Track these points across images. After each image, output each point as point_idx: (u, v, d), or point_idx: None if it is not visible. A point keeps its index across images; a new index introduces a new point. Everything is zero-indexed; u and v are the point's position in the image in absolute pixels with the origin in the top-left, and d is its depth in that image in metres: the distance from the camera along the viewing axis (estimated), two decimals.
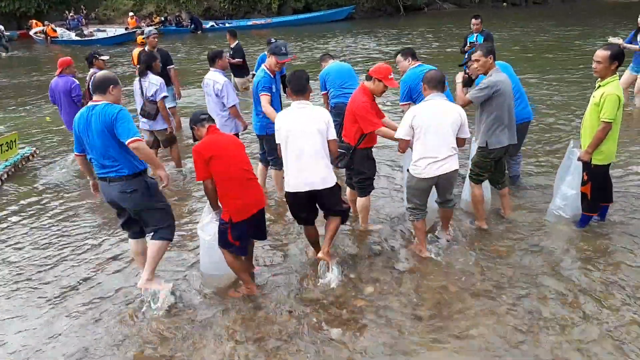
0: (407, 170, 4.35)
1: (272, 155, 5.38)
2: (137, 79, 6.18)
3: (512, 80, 4.78)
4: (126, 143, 3.57)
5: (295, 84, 3.98)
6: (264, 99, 5.09)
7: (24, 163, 7.35)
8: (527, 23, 19.97)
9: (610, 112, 4.07)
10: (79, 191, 6.37)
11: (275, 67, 5.15)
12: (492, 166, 4.64)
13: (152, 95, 6.05)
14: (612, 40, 8.07)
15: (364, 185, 4.66)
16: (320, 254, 4.10)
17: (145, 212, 3.87)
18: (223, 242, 3.84)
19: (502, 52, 11.93)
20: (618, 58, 4.13)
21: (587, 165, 4.35)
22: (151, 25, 24.72)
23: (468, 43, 8.16)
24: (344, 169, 4.84)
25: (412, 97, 5.16)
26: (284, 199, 4.27)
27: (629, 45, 7.47)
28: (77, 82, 6.91)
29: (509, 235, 4.67)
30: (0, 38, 21.81)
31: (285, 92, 5.12)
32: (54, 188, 6.54)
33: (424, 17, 25.59)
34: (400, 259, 4.41)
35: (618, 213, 4.87)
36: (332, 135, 3.96)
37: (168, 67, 7.69)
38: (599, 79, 4.25)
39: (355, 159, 4.53)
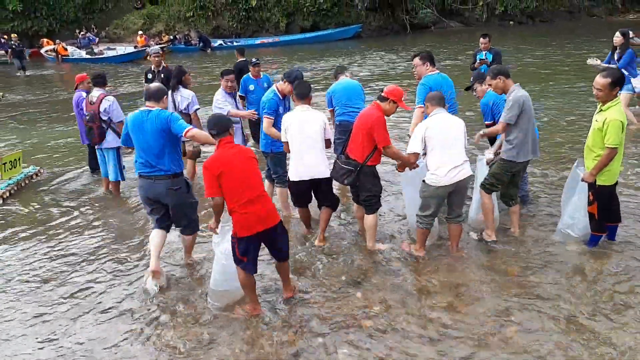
0: (423, 181, 4.45)
1: (276, 173, 5.43)
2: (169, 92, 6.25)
3: None
4: (183, 134, 4.12)
5: (299, 91, 4.78)
6: (266, 121, 5.25)
7: (27, 182, 7.37)
8: (533, 41, 20.02)
9: (615, 138, 4.09)
10: (81, 209, 6.40)
11: (288, 93, 5.27)
12: (509, 179, 4.71)
13: (185, 109, 6.31)
14: (591, 61, 8.25)
15: (371, 203, 4.67)
16: (317, 242, 4.92)
17: (181, 206, 4.38)
18: (234, 257, 3.84)
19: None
20: (619, 83, 4.17)
21: (592, 186, 4.34)
22: (160, 44, 25.05)
23: (478, 60, 8.17)
24: (351, 188, 4.88)
25: None
26: (291, 217, 4.32)
27: (606, 66, 7.53)
28: (84, 97, 6.92)
29: (518, 254, 4.62)
30: (21, 59, 21.46)
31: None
32: (56, 207, 6.54)
33: (431, 35, 25.72)
34: (407, 277, 4.36)
35: (630, 233, 4.81)
36: (328, 134, 4.77)
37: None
38: (600, 103, 4.25)
39: (362, 177, 4.56)
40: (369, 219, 4.73)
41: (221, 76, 6.58)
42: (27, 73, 21.03)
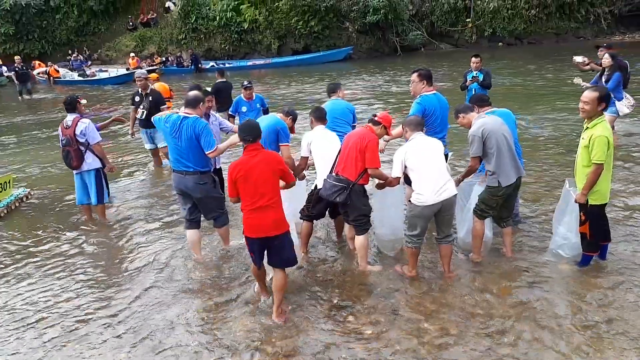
0: (409, 201, 4.47)
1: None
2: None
3: (511, 128, 4.83)
4: (206, 153, 4.80)
5: (317, 115, 5.16)
6: (287, 149, 5.13)
7: (17, 205, 7.29)
8: (522, 62, 20.31)
9: (601, 154, 4.11)
10: (70, 233, 6.31)
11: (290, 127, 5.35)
12: (499, 204, 4.68)
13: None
14: (576, 80, 8.38)
15: (362, 223, 4.68)
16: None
17: (207, 199, 4.98)
18: None
19: (498, 90, 12.11)
20: (605, 100, 4.21)
21: (583, 206, 4.35)
22: (153, 65, 25.18)
23: (468, 79, 8.25)
24: (340, 208, 4.86)
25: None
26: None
27: (591, 86, 7.60)
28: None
29: (510, 274, 4.60)
30: (26, 83, 20.19)
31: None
32: (45, 230, 6.45)
33: (421, 57, 26.05)
34: (399, 300, 4.33)
35: (619, 251, 4.82)
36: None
37: (161, 107, 7.75)
38: (586, 121, 4.28)
39: (353, 195, 4.57)
40: (360, 239, 4.72)
41: None
42: (32, 96, 20.35)
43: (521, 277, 4.53)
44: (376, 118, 4.70)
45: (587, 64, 8.47)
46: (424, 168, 4.35)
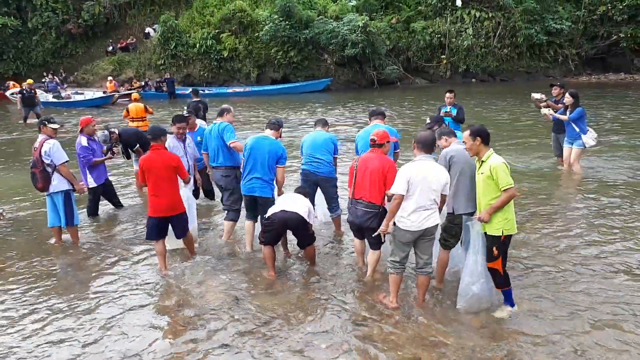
0: (394, 223, 4.50)
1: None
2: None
3: None
4: (228, 143, 5.91)
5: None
6: (282, 171, 5.78)
7: None
8: (493, 98, 20.93)
9: (507, 179, 4.18)
10: (43, 257, 6.17)
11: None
12: (458, 232, 4.79)
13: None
14: (535, 95, 9.05)
15: (378, 241, 4.93)
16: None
17: (230, 191, 6.00)
18: None
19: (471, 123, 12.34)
20: (479, 134, 4.30)
21: (496, 239, 4.28)
22: (131, 89, 25.01)
23: (442, 112, 8.58)
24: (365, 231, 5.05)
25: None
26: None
27: (546, 100, 8.88)
28: (84, 145, 7.12)
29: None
30: (33, 107, 18.06)
31: None
32: (17, 252, 6.31)
33: (397, 90, 26.59)
34: (373, 328, 4.34)
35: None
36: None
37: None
38: (476, 158, 4.42)
39: (380, 218, 4.75)
40: (376, 254, 5.11)
41: (172, 123, 6.49)
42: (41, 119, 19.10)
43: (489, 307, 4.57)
44: (378, 140, 4.88)
45: (544, 101, 8.97)
46: (418, 193, 4.34)
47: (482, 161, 4.35)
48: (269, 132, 5.80)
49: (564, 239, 6.05)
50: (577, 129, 8.26)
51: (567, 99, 8.33)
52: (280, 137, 5.91)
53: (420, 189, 4.35)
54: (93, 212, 7.47)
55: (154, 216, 5.37)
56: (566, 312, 4.48)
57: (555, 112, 8.63)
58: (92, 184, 7.23)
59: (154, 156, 5.35)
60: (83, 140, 7.16)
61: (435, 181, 4.39)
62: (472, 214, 4.62)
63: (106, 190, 7.58)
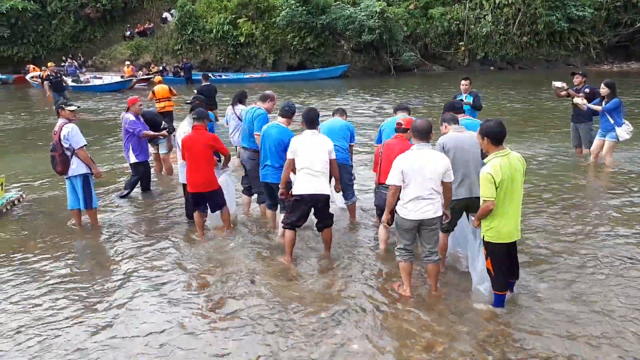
0: (395, 211, 4.55)
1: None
2: (229, 106, 7.96)
3: None
4: (254, 134, 6.02)
5: (309, 119, 5.34)
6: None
7: (8, 207, 7.27)
8: (512, 86, 20.65)
9: (485, 191, 4.05)
10: (61, 238, 6.31)
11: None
12: (456, 218, 4.90)
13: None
14: (556, 84, 8.76)
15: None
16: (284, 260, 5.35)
17: (254, 175, 6.03)
18: None
19: (489, 113, 12.26)
20: (486, 134, 4.13)
21: (484, 241, 4.27)
22: (149, 74, 25.16)
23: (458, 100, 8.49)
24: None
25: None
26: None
27: (568, 89, 8.62)
28: (132, 119, 7.49)
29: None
30: (61, 92, 16.84)
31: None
32: (34, 234, 6.45)
33: (414, 77, 26.36)
34: (387, 315, 4.38)
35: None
36: (333, 155, 5.28)
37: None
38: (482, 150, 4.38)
39: None
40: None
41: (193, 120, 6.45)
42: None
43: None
44: (403, 126, 5.12)
45: (566, 90, 8.76)
46: (415, 182, 4.35)
47: (484, 164, 4.29)
48: (280, 120, 5.75)
49: (592, 231, 5.98)
50: (612, 121, 8.01)
51: (603, 89, 8.04)
52: (291, 123, 5.83)
53: (416, 178, 4.35)
54: (145, 186, 7.80)
55: (192, 192, 5.89)
56: (585, 306, 4.47)
57: (590, 102, 8.32)
58: (133, 159, 7.47)
59: (195, 135, 5.89)
60: (130, 116, 7.48)
61: (432, 170, 4.36)
62: (466, 199, 4.74)
63: (145, 170, 7.75)
